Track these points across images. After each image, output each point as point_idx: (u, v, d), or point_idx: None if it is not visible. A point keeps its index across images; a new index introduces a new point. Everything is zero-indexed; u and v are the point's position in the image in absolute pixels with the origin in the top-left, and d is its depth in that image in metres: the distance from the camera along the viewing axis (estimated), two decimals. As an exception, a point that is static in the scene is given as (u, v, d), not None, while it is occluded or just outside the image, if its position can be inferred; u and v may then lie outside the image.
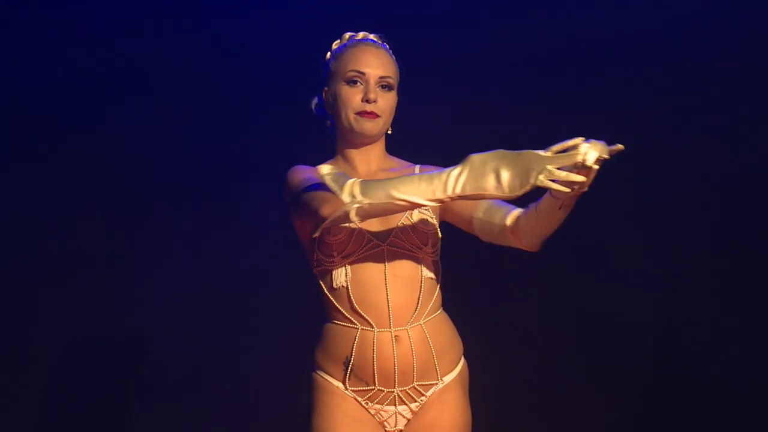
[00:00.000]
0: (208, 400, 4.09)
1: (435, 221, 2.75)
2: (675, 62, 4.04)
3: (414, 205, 2.43)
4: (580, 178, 2.33)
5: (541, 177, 2.31)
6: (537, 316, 4.06)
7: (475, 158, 2.37)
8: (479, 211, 2.67)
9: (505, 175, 2.34)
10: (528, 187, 2.33)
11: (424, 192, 2.40)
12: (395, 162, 2.82)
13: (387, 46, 2.83)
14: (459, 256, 2.88)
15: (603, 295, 4.07)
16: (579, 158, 2.31)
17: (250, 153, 4.11)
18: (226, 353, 4.10)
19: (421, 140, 3.17)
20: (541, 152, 2.32)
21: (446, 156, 2.67)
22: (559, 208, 2.47)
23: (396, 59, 2.82)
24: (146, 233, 4.11)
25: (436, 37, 4.07)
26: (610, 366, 4.06)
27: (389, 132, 2.80)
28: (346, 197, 2.44)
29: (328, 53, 2.84)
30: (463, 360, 2.80)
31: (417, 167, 2.80)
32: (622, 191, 4.01)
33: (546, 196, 2.49)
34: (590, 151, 2.31)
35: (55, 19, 4.10)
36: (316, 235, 2.57)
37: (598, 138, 2.35)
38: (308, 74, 3.00)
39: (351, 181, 2.45)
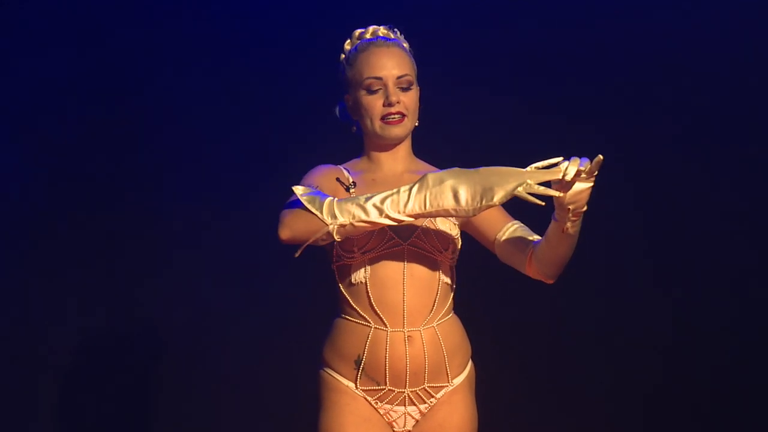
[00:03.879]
0: (214, 399, 4.08)
1: (457, 229, 2.75)
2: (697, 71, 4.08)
3: (393, 221, 2.50)
4: (557, 194, 2.44)
5: (520, 189, 2.42)
6: (545, 321, 4.07)
7: (431, 177, 2.48)
8: (503, 236, 2.72)
9: (463, 192, 2.45)
10: (485, 204, 2.44)
11: (395, 209, 2.48)
12: (422, 165, 2.82)
13: (398, 38, 2.81)
14: (469, 259, 2.88)
15: (610, 302, 4.09)
16: (560, 174, 2.43)
17: (255, 149, 4.10)
18: (231, 351, 4.09)
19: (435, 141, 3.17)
20: (522, 169, 2.44)
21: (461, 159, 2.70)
22: (563, 231, 2.54)
23: (409, 47, 2.81)
24: (149, 230, 4.09)
25: (445, 39, 4.08)
26: (618, 372, 4.07)
27: (416, 124, 2.79)
28: (327, 218, 2.50)
29: (342, 55, 2.82)
30: (470, 362, 2.80)
31: None
32: (630, 199, 4.03)
33: (551, 222, 2.56)
34: (570, 167, 2.43)
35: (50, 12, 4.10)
36: (297, 255, 2.58)
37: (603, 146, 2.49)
38: (318, 69, 2.99)
39: (328, 200, 2.52)
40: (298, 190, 2.55)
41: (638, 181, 4.06)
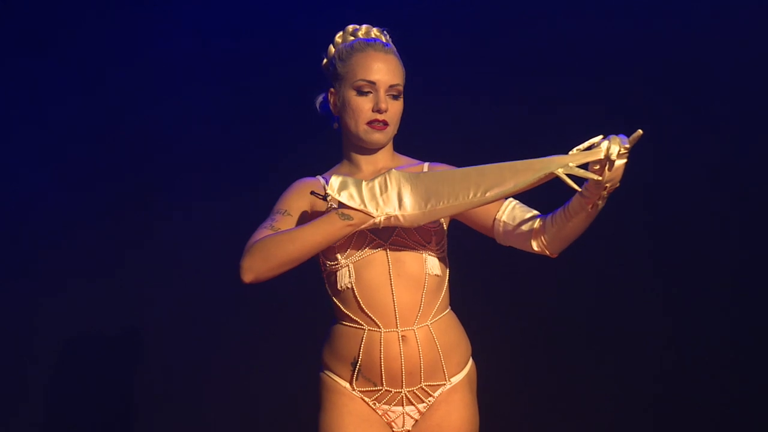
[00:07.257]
0: (215, 401, 4.10)
1: (442, 219, 2.73)
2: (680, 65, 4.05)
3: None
4: (596, 177, 2.41)
5: (560, 170, 2.41)
6: (547, 318, 4.05)
7: (379, 183, 2.53)
8: (503, 214, 2.69)
9: (407, 198, 2.51)
10: (430, 209, 2.49)
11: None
12: (403, 160, 2.81)
13: (392, 44, 2.79)
14: (469, 255, 2.88)
15: (614, 298, 4.07)
16: (602, 154, 2.40)
17: (248, 151, 4.12)
18: (233, 354, 4.11)
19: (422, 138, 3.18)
20: (562, 156, 2.43)
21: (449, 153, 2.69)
22: (590, 207, 2.51)
23: (400, 54, 2.80)
24: (151, 233, 4.12)
25: (437, 37, 4.07)
26: (620, 369, 4.05)
27: (395, 132, 2.78)
28: (374, 210, 2.54)
29: (332, 47, 2.80)
30: (471, 361, 2.79)
31: (426, 165, 2.77)
32: (635, 193, 4.01)
33: (576, 196, 2.53)
34: (612, 146, 2.40)
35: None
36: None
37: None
38: (312, 67, 2.99)
39: (364, 186, 2.54)
40: (335, 198, 2.56)
41: (642, 178, 4.04)
